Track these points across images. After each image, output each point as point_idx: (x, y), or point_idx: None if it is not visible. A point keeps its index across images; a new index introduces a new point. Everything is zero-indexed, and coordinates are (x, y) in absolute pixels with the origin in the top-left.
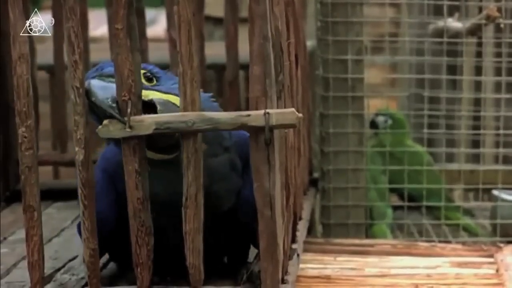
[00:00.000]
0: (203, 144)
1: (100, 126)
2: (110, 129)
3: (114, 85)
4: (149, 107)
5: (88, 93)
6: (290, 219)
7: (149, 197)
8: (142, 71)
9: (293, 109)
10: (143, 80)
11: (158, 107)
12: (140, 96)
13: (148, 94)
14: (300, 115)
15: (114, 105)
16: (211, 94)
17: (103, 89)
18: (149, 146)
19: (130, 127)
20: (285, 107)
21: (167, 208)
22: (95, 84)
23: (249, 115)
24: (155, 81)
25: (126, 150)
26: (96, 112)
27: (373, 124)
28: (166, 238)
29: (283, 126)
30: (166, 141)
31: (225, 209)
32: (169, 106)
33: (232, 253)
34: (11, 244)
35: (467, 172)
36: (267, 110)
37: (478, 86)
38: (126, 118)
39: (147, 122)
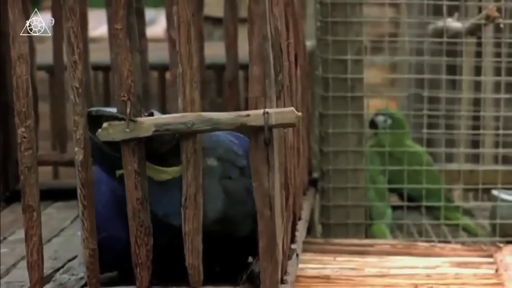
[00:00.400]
0: (212, 159)
1: (100, 130)
2: (109, 132)
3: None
4: None
5: (89, 113)
6: (290, 219)
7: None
8: None
9: (292, 108)
10: None
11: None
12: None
13: None
14: (300, 114)
15: (114, 111)
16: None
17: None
18: (151, 158)
19: (133, 120)
20: (284, 107)
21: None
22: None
23: (248, 115)
24: None
25: (126, 151)
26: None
27: (373, 124)
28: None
29: (283, 126)
30: (167, 143)
31: (242, 235)
32: None
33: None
34: (11, 244)
35: (467, 172)
36: (267, 110)
37: (477, 86)
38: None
39: (146, 124)
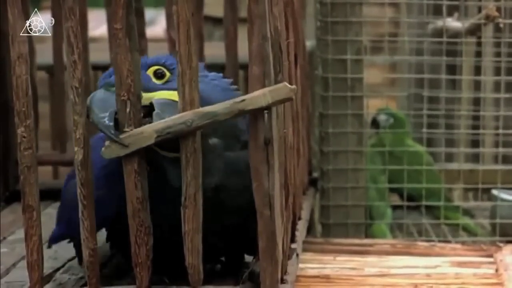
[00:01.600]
0: (215, 139)
1: (103, 148)
2: (113, 148)
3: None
4: (152, 109)
5: (88, 109)
6: (290, 219)
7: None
8: (154, 68)
9: (284, 83)
10: (153, 79)
11: (156, 110)
12: (139, 96)
13: (153, 96)
14: (294, 87)
15: (111, 123)
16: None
17: (102, 103)
18: (159, 147)
19: (123, 144)
20: (284, 107)
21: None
22: (96, 98)
23: (243, 100)
24: (167, 76)
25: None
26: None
27: (374, 122)
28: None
29: (281, 102)
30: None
31: (239, 204)
32: (171, 106)
33: (231, 255)
34: (11, 244)
35: (467, 171)
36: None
37: (477, 85)
38: (123, 133)
39: (147, 133)
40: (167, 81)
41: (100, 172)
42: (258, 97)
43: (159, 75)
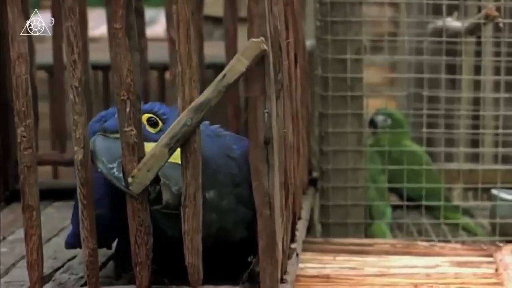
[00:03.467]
0: (212, 192)
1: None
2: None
3: (119, 145)
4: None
5: (93, 155)
6: (289, 219)
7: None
8: (147, 115)
9: (250, 39)
10: (148, 127)
11: (162, 180)
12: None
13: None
14: (261, 38)
15: (121, 175)
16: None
17: (108, 152)
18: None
19: (137, 196)
20: (283, 107)
21: None
22: (100, 146)
23: (224, 76)
24: (160, 125)
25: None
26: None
27: (372, 123)
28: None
29: (257, 59)
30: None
31: (234, 240)
32: (174, 171)
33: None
34: (11, 243)
35: (466, 171)
36: (266, 110)
37: (477, 85)
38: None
39: (158, 151)
40: (160, 130)
41: (102, 190)
42: (235, 65)
43: (152, 122)
